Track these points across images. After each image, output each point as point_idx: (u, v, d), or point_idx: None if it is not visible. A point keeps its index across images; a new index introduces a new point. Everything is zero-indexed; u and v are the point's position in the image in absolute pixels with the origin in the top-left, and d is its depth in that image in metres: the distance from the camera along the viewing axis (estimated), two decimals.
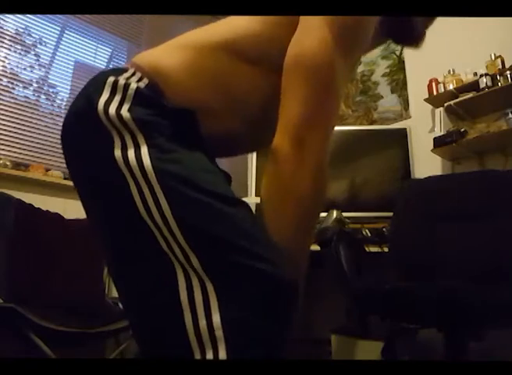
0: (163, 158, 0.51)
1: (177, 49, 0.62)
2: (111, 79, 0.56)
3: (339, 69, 0.57)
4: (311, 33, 0.57)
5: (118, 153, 0.51)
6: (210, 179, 0.53)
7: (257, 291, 0.47)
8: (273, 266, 0.48)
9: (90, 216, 0.59)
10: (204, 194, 0.50)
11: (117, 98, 0.54)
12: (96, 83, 0.57)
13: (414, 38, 0.75)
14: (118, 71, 0.59)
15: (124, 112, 0.53)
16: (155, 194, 0.49)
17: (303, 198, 0.54)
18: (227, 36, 0.63)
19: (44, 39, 2.17)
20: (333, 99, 0.58)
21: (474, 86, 2.09)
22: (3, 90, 1.97)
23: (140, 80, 0.56)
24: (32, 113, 2.02)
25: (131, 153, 0.50)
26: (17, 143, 1.94)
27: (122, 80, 0.55)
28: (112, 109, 0.53)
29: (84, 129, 0.55)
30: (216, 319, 0.44)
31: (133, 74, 0.57)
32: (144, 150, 0.51)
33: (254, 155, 2.49)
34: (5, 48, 2.02)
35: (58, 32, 2.24)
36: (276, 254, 0.51)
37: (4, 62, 2.00)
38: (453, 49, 2.42)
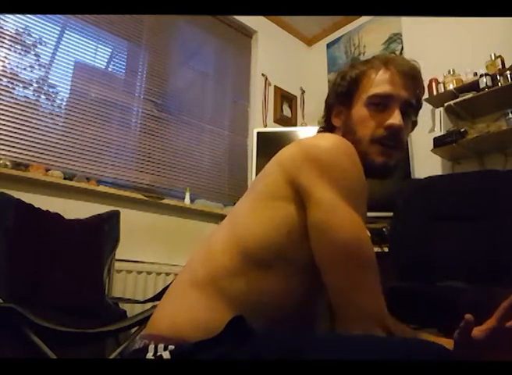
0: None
1: (190, 293, 0.62)
2: None
3: None
4: (337, 214, 0.60)
5: None
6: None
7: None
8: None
9: None
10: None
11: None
12: None
13: (384, 175, 0.81)
14: (139, 352, 0.58)
15: (164, 354, 0.54)
16: None
17: None
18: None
19: (44, 39, 2.17)
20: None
21: (474, 86, 2.09)
22: (3, 90, 1.96)
23: (165, 348, 0.56)
24: (32, 113, 2.02)
25: None
26: (17, 143, 1.94)
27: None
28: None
29: None
30: None
31: (156, 347, 0.57)
32: None
33: (254, 154, 2.49)
34: (5, 48, 2.02)
35: (58, 32, 2.24)
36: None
37: (4, 62, 2.00)
38: (453, 49, 2.42)
